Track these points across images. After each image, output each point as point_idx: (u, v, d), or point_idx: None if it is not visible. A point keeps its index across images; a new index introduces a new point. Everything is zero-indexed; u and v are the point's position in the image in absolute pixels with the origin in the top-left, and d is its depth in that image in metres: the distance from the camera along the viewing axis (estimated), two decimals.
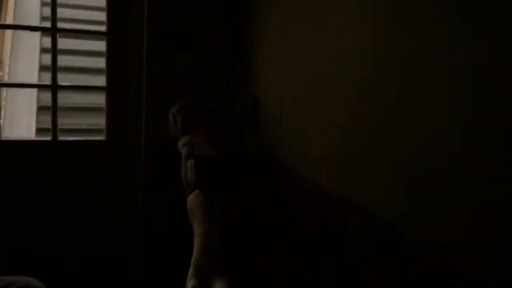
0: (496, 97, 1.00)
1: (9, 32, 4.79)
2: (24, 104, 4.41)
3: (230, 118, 2.79)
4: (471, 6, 1.07)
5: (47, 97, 3.00)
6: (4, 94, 4.05)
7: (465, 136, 1.08)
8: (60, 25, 2.69)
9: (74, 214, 2.76)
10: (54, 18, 2.61)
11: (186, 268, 1.86)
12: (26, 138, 2.99)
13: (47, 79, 2.81)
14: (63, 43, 3.07)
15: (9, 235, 2.61)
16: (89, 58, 4.67)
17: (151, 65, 2.71)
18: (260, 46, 2.46)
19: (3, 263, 2.12)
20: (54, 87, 2.66)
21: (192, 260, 1.84)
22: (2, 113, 3.14)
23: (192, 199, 2.08)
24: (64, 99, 3.93)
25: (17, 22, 4.87)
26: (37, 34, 4.91)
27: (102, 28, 2.83)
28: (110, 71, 2.78)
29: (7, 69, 4.45)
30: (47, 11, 3.28)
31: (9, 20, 4.79)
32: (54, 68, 2.65)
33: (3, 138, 2.64)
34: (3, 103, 3.54)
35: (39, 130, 4.32)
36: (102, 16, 3.10)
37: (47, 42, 3.08)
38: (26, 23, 4.88)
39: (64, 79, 2.92)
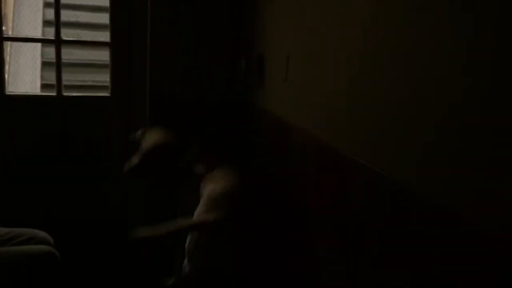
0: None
1: None
2: (28, 60, 4.39)
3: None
4: None
5: (51, 52, 2.98)
6: (8, 49, 4.03)
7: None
8: None
9: (77, 170, 2.80)
10: None
11: None
12: (30, 93, 2.99)
13: (51, 34, 2.78)
14: None
15: (12, 191, 2.66)
16: (93, 13, 4.60)
17: (155, 20, 2.67)
18: (266, 4, 2.41)
19: (10, 218, 2.17)
20: (58, 42, 2.64)
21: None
22: (7, 68, 3.12)
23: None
24: (69, 55, 3.91)
25: None
26: None
27: None
28: (114, 26, 2.75)
29: (10, 24, 4.40)
30: None
31: None
32: (57, 23, 2.62)
33: (8, 93, 2.64)
34: (7, 58, 3.52)
35: (44, 86, 4.31)
36: None
37: None
38: None
39: (68, 35, 2.89)
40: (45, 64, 4.38)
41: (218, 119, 2.88)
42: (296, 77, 2.05)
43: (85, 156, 2.80)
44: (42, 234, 2.01)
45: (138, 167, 2.24)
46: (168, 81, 2.77)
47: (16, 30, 4.45)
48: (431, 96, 1.20)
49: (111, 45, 2.76)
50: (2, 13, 2.60)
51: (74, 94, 2.90)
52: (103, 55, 3.71)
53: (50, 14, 3.74)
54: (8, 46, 4.17)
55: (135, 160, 2.27)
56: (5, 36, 2.72)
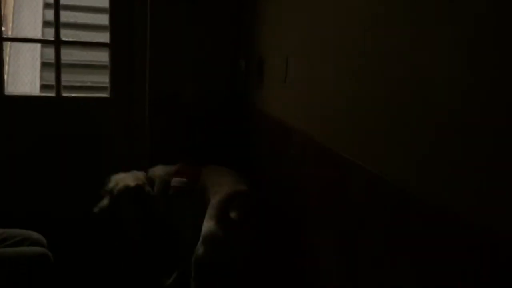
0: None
1: None
2: (27, 61, 4.38)
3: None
4: None
5: (50, 53, 2.97)
6: (7, 49, 4.02)
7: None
8: None
9: (76, 170, 2.79)
10: None
11: None
12: (29, 93, 3.00)
13: (50, 35, 2.78)
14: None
15: (12, 191, 2.65)
16: (92, 14, 4.60)
17: (155, 21, 2.67)
18: (265, 7, 2.41)
19: (7, 218, 2.16)
20: (57, 42, 2.64)
21: None
22: (6, 68, 3.12)
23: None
24: (68, 56, 3.90)
25: None
26: None
27: None
28: (114, 27, 2.75)
29: (10, 25, 4.40)
30: None
31: None
32: (57, 23, 2.62)
33: (7, 94, 2.64)
34: (6, 58, 3.52)
35: (43, 87, 4.31)
36: None
37: None
38: None
39: (67, 36, 2.89)
40: (44, 65, 4.38)
41: (217, 120, 2.88)
42: (296, 78, 2.05)
43: (84, 157, 2.79)
44: (35, 235, 2.00)
45: (106, 210, 2.32)
46: (168, 82, 2.76)
47: (16, 31, 4.45)
48: (430, 97, 1.20)
49: (110, 46, 2.76)
50: (2, 14, 2.60)
51: (73, 95, 2.90)
52: (102, 56, 3.71)
53: (50, 15, 3.74)
54: (7, 46, 4.17)
55: (105, 202, 2.33)
56: (5, 36, 2.70)
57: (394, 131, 1.34)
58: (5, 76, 2.74)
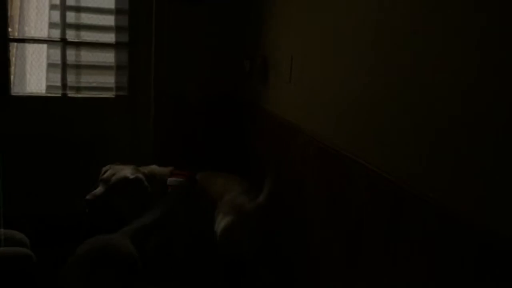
0: None
1: None
2: (34, 61, 4.40)
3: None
4: None
5: (56, 54, 3.00)
6: (14, 50, 4.04)
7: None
8: None
9: (82, 169, 2.81)
10: None
11: None
12: (36, 93, 3.04)
13: (56, 36, 2.81)
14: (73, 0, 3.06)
15: (18, 189, 2.67)
16: (98, 15, 4.61)
17: (161, 22, 2.70)
18: (270, 8, 2.42)
19: (11, 219, 2.17)
20: (63, 42, 2.67)
21: None
22: (12, 69, 3.15)
23: None
24: (74, 56, 3.91)
25: None
26: None
27: None
28: (120, 28, 2.77)
29: (16, 26, 4.42)
30: None
31: None
32: (63, 24, 2.65)
33: (13, 94, 2.67)
34: (12, 59, 3.55)
35: (49, 87, 4.32)
36: None
37: None
38: None
39: (73, 37, 2.92)
40: (50, 66, 4.39)
41: (221, 120, 2.90)
42: (300, 78, 2.05)
43: (88, 157, 2.82)
44: (18, 235, 2.00)
45: (101, 198, 2.22)
46: (173, 83, 2.79)
47: (22, 32, 4.47)
48: (434, 99, 1.20)
49: (115, 46, 2.79)
50: (9, 15, 2.62)
51: (79, 95, 2.92)
52: (107, 57, 3.73)
53: (56, 16, 3.76)
54: (14, 47, 4.19)
55: (99, 190, 2.24)
56: (11, 37, 2.74)
57: (398, 130, 1.35)
58: (12, 77, 2.76)
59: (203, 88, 2.84)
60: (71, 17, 2.78)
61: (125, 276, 1.78)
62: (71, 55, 2.81)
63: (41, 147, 2.71)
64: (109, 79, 3.02)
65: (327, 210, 1.77)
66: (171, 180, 2.32)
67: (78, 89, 2.90)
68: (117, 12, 2.82)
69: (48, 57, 3.46)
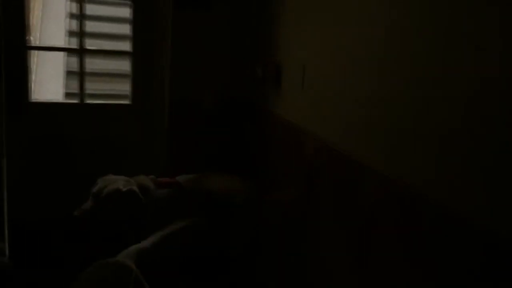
0: None
1: None
2: (52, 69, 4.51)
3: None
4: None
5: (74, 62, 3.08)
6: (34, 58, 4.15)
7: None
8: None
9: (95, 174, 2.86)
10: None
11: None
12: (54, 100, 3.13)
13: (74, 44, 2.89)
14: (90, 9, 3.14)
15: (35, 194, 2.74)
16: (115, 24, 4.71)
17: (176, 29, 2.74)
18: (283, 15, 2.45)
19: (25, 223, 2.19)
20: (81, 51, 2.74)
21: None
22: (33, 77, 3.25)
23: None
24: (91, 65, 4.01)
25: None
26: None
27: None
28: (136, 36, 2.83)
29: (37, 34, 4.54)
30: None
31: None
32: (81, 33, 2.73)
33: (33, 100, 2.75)
34: (33, 67, 3.65)
35: (67, 95, 4.43)
36: None
37: (75, 7, 3.14)
38: None
39: (91, 45, 2.99)
40: (68, 74, 4.50)
41: (234, 126, 2.93)
42: (312, 85, 2.07)
43: (104, 161, 2.86)
44: None
45: (89, 213, 2.10)
46: (187, 90, 2.82)
47: (42, 40, 4.59)
48: (445, 104, 1.22)
49: (132, 54, 2.85)
50: (29, 23, 2.71)
51: (96, 101, 2.99)
52: (124, 65, 3.80)
53: (74, 24, 3.86)
54: (34, 56, 4.31)
55: (87, 205, 2.12)
56: (32, 45, 2.83)
57: (408, 136, 1.36)
58: (32, 84, 2.85)
59: (216, 94, 2.87)
60: (89, 26, 2.85)
61: None
62: (89, 63, 2.87)
63: (58, 152, 2.77)
64: (124, 87, 3.08)
65: (337, 214, 1.78)
66: (160, 192, 2.22)
67: (94, 96, 2.97)
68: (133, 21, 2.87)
69: (66, 65, 3.56)
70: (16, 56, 2.61)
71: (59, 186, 2.78)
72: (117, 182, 2.14)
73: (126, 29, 2.95)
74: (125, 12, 2.98)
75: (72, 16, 4.66)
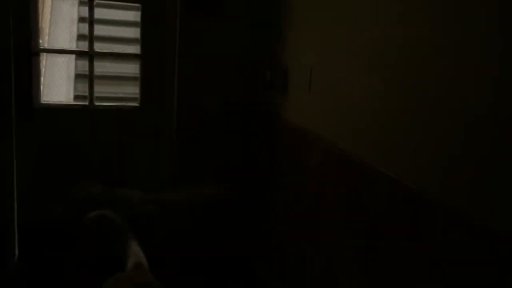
0: None
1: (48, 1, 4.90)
2: (62, 72, 4.54)
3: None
4: None
5: (84, 65, 3.12)
6: (44, 61, 4.19)
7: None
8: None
9: (107, 175, 2.88)
10: None
11: None
12: (64, 102, 3.16)
13: (84, 48, 2.92)
14: (100, 13, 3.17)
15: (45, 194, 2.75)
16: (125, 28, 4.73)
17: (184, 33, 2.76)
18: (290, 19, 2.46)
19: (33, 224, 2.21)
20: (91, 54, 2.76)
21: None
22: (42, 80, 3.28)
23: None
24: (101, 68, 4.03)
25: None
26: (75, 3, 5.01)
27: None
28: (144, 39, 2.86)
29: (46, 37, 4.58)
30: None
31: None
32: (91, 36, 2.75)
33: (43, 102, 2.78)
34: (43, 70, 3.69)
35: (77, 97, 4.45)
36: None
37: (84, 11, 3.17)
38: None
39: (101, 49, 3.02)
40: (78, 77, 4.53)
41: (242, 129, 2.94)
42: (320, 88, 2.08)
43: (113, 162, 2.89)
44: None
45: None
46: (195, 93, 2.84)
47: (51, 44, 4.63)
48: (455, 108, 1.22)
49: (141, 57, 2.87)
50: (40, 27, 2.74)
51: (105, 104, 3.01)
52: (133, 69, 3.83)
53: (84, 28, 3.89)
54: (44, 59, 4.35)
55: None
56: (41, 48, 2.86)
57: (417, 139, 1.36)
58: (41, 87, 2.88)
59: (224, 97, 2.89)
60: (99, 29, 2.88)
61: None
62: (98, 66, 2.90)
63: (69, 152, 2.79)
64: (133, 89, 3.10)
65: (346, 217, 1.78)
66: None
67: (103, 99, 3.00)
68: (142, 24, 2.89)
69: (76, 68, 3.59)
70: (24, 61, 2.64)
71: (64, 187, 2.79)
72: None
73: (135, 32, 2.98)
74: (135, 15, 3.01)
75: (81, 20, 4.70)
